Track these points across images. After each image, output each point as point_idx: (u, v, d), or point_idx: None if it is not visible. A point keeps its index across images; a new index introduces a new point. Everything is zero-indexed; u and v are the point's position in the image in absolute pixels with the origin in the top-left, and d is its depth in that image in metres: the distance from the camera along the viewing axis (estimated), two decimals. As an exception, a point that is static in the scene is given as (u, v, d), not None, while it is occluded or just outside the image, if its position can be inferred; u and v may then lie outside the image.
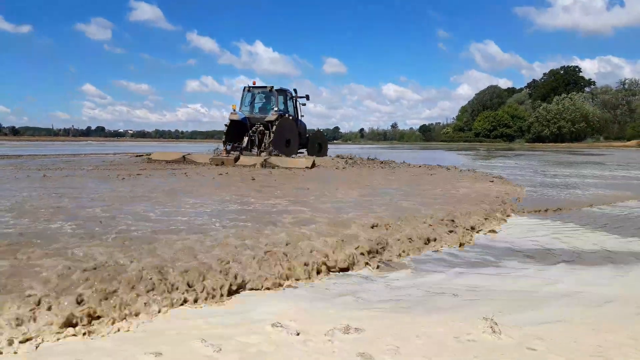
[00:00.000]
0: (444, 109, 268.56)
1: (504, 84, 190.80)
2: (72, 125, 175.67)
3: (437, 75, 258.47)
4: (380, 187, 9.45)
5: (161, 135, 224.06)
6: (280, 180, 10.57)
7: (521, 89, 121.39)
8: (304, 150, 19.53)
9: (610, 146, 77.96)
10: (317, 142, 20.24)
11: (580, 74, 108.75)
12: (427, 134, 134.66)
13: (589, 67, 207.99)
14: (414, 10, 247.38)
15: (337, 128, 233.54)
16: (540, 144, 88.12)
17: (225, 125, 17.18)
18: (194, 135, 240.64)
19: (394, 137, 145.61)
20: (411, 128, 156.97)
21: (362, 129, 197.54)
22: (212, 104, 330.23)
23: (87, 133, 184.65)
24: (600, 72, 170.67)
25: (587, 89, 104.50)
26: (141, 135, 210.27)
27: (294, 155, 17.00)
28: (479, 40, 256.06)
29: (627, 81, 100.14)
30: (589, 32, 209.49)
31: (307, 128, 19.81)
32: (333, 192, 8.09)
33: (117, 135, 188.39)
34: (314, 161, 14.56)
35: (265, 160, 14.40)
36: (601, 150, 53.39)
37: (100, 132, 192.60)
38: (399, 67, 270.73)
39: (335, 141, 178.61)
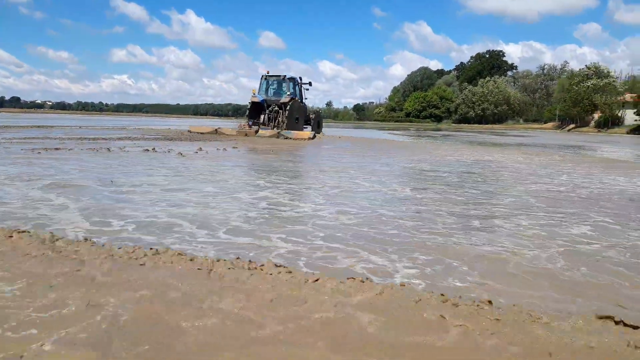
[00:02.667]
0: (378, 88, 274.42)
1: (434, 65, 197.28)
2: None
3: (372, 54, 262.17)
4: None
5: (83, 107, 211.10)
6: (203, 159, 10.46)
7: (449, 71, 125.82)
8: (308, 126, 23.47)
9: (529, 128, 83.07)
10: (317, 121, 24.60)
11: (504, 58, 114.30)
12: (361, 113, 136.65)
13: (513, 52, 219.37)
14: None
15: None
16: (466, 125, 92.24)
17: (249, 103, 21.98)
18: (120, 108, 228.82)
19: (329, 116, 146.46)
20: (345, 107, 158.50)
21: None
22: (140, 76, 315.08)
23: (1, 104, 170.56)
24: (524, 56, 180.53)
25: (509, 73, 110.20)
26: (61, 107, 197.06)
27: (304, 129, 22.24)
28: (413, 20, 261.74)
29: (546, 66, 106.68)
30: (515, 16, 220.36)
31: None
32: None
33: (34, 106, 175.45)
34: (314, 134, 20.34)
35: (279, 132, 19.48)
36: (522, 132, 56.89)
37: (15, 103, 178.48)
38: (336, 44, 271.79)
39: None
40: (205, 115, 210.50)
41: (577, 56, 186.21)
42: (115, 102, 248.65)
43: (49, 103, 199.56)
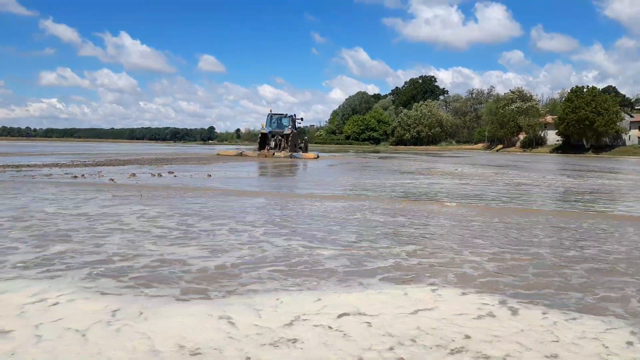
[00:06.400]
0: (318, 112, 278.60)
1: (371, 89, 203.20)
2: None
3: (312, 78, 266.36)
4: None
5: (9, 132, 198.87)
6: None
7: (386, 96, 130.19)
8: (300, 149, 29.52)
9: (461, 148, 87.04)
10: (306, 145, 32.26)
11: (436, 84, 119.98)
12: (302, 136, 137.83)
13: (445, 77, 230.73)
14: (291, 11, 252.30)
15: (212, 128, 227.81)
16: (403, 146, 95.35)
17: (259, 136, 29.25)
18: (49, 133, 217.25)
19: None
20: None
21: (238, 130, 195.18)
22: (70, 99, 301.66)
23: None
24: (454, 81, 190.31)
25: (441, 97, 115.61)
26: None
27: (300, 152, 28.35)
28: (350, 46, 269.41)
29: (474, 91, 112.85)
30: (446, 44, 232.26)
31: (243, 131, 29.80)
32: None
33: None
34: (318, 155, 27.80)
35: (291, 154, 26.09)
36: (455, 153, 59.47)
37: None
38: (276, 68, 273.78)
39: (210, 141, 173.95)
40: (142, 139, 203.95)
41: (502, 81, 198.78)
42: (44, 127, 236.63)
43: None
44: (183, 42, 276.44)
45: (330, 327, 2.36)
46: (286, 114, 30.09)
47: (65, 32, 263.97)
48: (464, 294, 2.96)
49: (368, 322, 2.44)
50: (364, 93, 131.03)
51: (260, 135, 29.21)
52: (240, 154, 27.37)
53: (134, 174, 11.96)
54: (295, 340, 2.20)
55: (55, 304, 2.61)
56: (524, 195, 9.80)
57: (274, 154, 26.47)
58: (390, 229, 5.26)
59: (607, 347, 2.20)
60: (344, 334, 2.28)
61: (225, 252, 3.91)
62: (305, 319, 2.46)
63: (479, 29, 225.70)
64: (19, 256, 3.61)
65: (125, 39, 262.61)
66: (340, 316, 2.52)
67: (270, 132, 28.59)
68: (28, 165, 14.54)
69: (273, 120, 29.85)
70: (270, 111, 30.23)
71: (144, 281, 3.06)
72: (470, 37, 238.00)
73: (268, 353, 2.07)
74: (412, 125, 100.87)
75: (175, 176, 12.14)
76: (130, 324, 2.36)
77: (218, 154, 28.22)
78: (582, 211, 7.26)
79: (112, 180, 10.36)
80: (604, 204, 8.51)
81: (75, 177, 10.92)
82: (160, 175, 12.06)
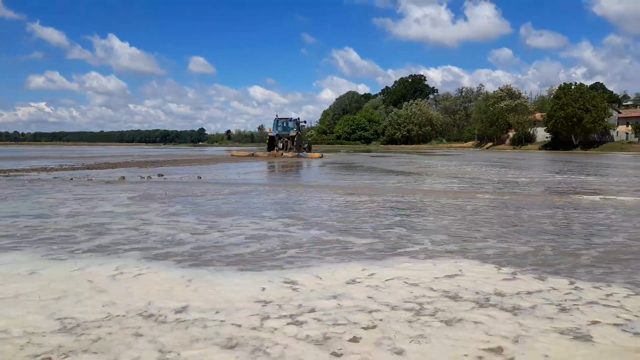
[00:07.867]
0: (309, 112, 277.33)
1: (362, 89, 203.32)
2: None
3: (302, 78, 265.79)
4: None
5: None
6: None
7: (376, 95, 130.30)
8: (305, 150, 32.13)
9: (451, 147, 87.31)
10: (309, 146, 34.86)
11: (425, 82, 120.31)
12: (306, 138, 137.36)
13: (435, 76, 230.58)
14: (281, 11, 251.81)
15: (202, 130, 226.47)
16: (394, 145, 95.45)
17: (267, 138, 31.85)
18: (38, 137, 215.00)
19: (262, 139, 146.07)
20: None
21: (228, 131, 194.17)
22: (59, 103, 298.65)
23: None
24: (444, 80, 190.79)
25: (431, 96, 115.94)
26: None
27: (305, 152, 30.41)
28: (340, 47, 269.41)
29: (464, 89, 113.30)
30: (436, 43, 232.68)
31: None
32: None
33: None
34: (322, 154, 29.20)
35: (298, 154, 28.26)
36: (446, 151, 59.72)
37: None
38: (266, 69, 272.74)
39: (200, 143, 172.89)
40: (132, 142, 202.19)
41: (492, 79, 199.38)
42: (33, 131, 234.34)
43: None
44: (172, 44, 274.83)
45: (379, 287, 2.84)
46: (291, 118, 32.85)
47: (53, 35, 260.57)
48: (482, 264, 3.45)
49: (414, 283, 2.91)
50: (355, 93, 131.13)
51: (268, 137, 32.01)
52: (252, 155, 30.21)
53: (123, 177, 11.92)
54: (351, 295, 2.69)
55: (139, 275, 3.07)
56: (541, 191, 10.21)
57: (282, 154, 28.94)
58: (411, 218, 5.81)
59: (625, 307, 2.57)
60: (391, 292, 2.76)
61: (263, 238, 4.43)
62: (360, 282, 2.95)
63: (468, 27, 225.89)
64: (76, 245, 4.03)
65: (114, 41, 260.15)
66: (387, 280, 2.98)
67: (277, 134, 31.14)
68: (16, 170, 14.42)
69: (279, 124, 32.40)
70: (277, 116, 32.95)
71: (195, 262, 3.46)
72: (460, 36, 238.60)
73: (327, 302, 2.57)
74: (402, 125, 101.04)
75: (165, 178, 12.11)
76: (204, 285, 2.85)
77: (232, 155, 31.92)
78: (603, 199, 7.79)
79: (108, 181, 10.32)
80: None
81: (63, 180, 10.86)
82: (150, 178, 12.03)
